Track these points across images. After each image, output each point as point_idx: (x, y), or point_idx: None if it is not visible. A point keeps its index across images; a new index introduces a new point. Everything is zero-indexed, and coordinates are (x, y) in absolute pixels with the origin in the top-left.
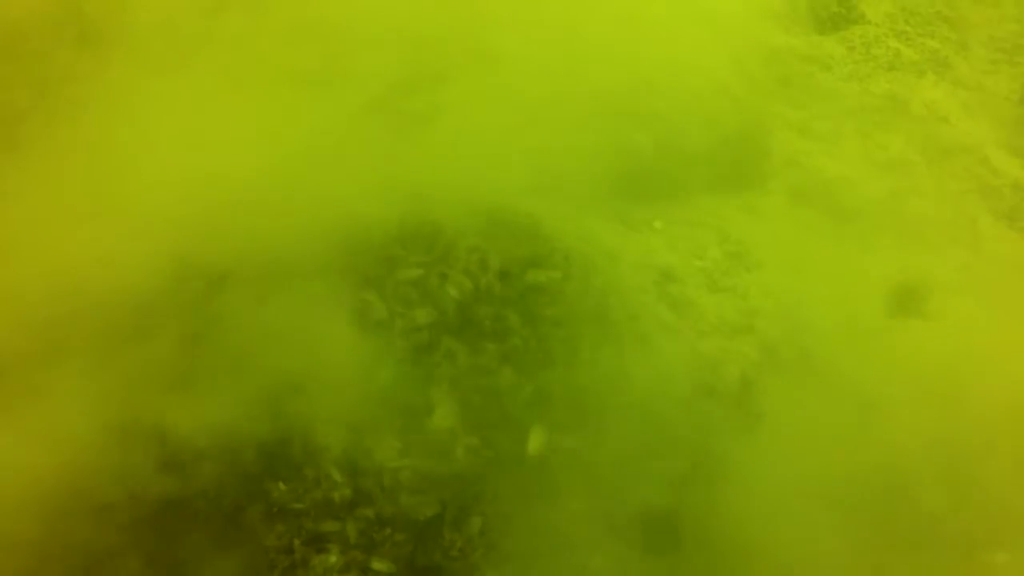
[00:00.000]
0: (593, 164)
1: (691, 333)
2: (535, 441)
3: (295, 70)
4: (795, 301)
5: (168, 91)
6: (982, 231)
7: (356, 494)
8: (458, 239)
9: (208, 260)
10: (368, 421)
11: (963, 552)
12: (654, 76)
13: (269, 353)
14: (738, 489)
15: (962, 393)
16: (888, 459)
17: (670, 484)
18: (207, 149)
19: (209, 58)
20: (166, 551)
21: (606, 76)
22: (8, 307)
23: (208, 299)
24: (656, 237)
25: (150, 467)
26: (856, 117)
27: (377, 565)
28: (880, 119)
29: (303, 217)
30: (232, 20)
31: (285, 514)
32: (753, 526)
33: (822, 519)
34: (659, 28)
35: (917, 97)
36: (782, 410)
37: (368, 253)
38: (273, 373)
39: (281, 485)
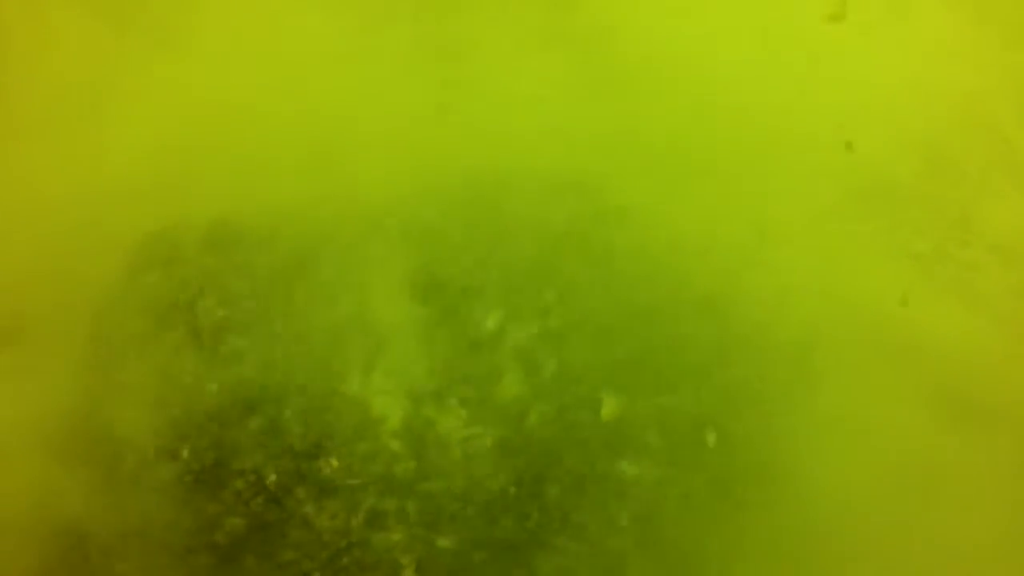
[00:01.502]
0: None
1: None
2: (609, 407)
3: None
4: None
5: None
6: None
7: (420, 467)
8: (518, 197)
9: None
10: (430, 389)
11: None
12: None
13: (316, 311)
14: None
15: None
16: None
17: (742, 443)
18: None
19: None
20: (203, 537)
21: None
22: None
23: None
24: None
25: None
26: None
27: (443, 542)
28: None
29: (358, 171)
30: None
31: (339, 492)
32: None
33: None
34: None
35: None
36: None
37: (428, 209)
38: (320, 332)
39: (333, 461)
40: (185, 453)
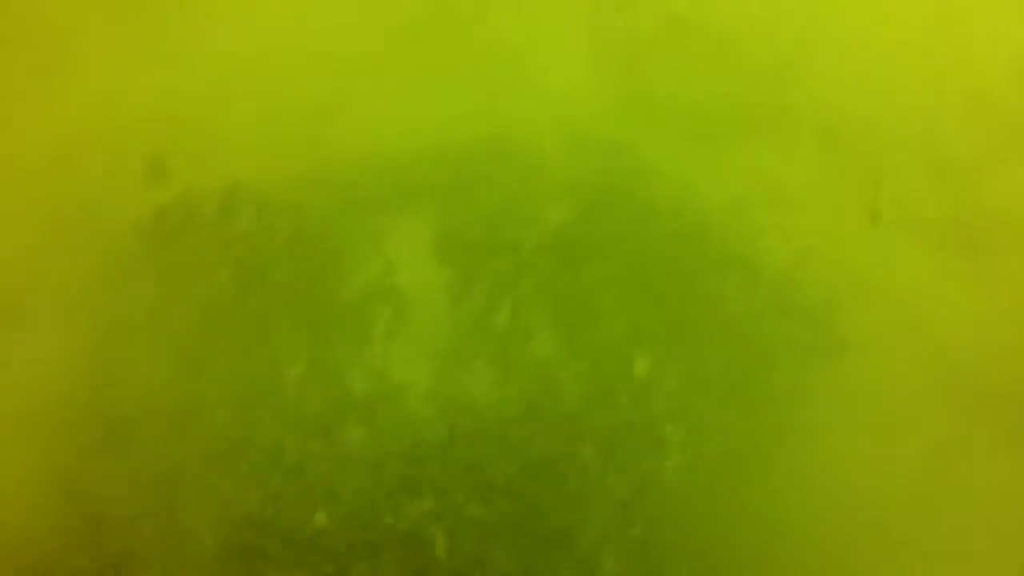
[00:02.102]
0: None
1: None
2: (641, 365)
3: None
4: None
5: None
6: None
7: (451, 432)
8: (547, 156)
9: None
10: (457, 353)
11: None
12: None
13: (338, 277)
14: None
15: None
16: None
17: (768, 404)
18: None
19: None
20: (221, 515)
21: None
22: None
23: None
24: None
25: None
26: None
27: (475, 510)
28: None
29: (380, 135)
30: None
31: (363, 462)
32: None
33: None
34: None
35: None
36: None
37: (452, 171)
38: (343, 299)
39: (358, 429)
40: (204, 426)
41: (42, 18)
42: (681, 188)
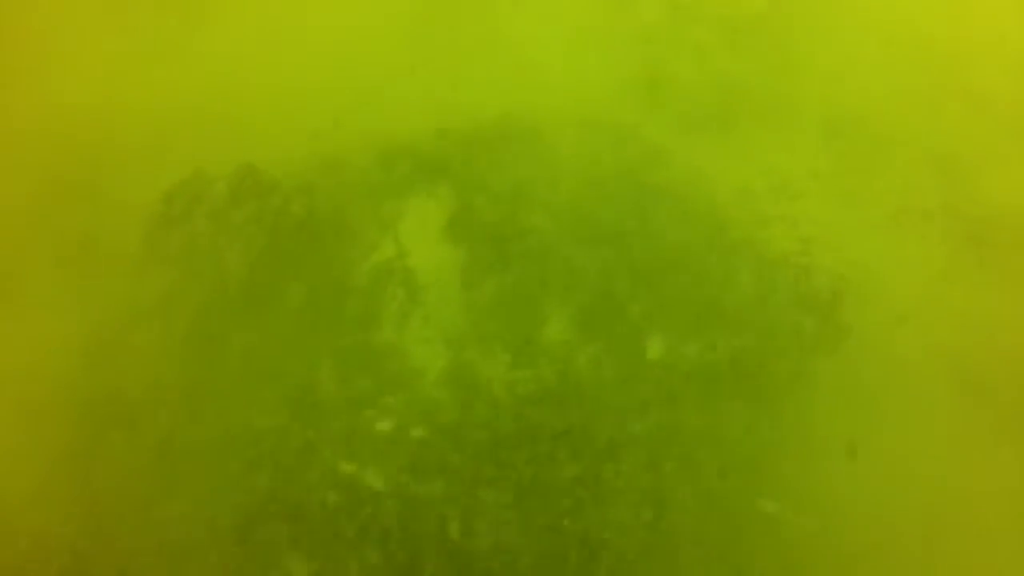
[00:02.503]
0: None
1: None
2: (654, 349)
3: None
4: None
5: None
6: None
7: (466, 414)
8: (560, 138)
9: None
10: (471, 335)
11: None
12: None
13: (351, 260)
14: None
15: None
16: None
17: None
18: None
19: None
20: (228, 501)
21: None
22: None
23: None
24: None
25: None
26: None
27: (490, 493)
28: None
29: (390, 118)
30: None
31: (375, 445)
32: None
33: None
34: None
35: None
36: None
37: (466, 154)
38: (355, 282)
39: (367, 411)
40: (209, 414)
41: None
42: (690, 174)
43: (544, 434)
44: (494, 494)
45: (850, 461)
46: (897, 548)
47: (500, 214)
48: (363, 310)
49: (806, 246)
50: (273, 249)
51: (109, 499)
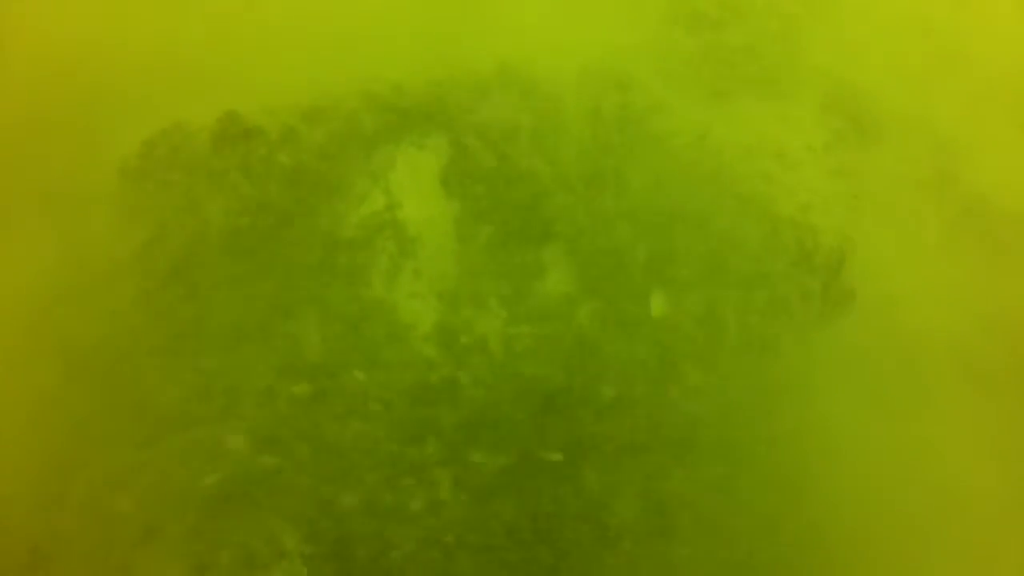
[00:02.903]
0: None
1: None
2: (657, 304)
3: None
4: None
5: None
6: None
7: (459, 372)
8: (560, 88)
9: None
10: (465, 289)
11: None
12: None
13: (340, 212)
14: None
15: None
16: None
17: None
18: None
19: None
20: (214, 465)
21: None
22: None
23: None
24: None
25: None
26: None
27: (482, 456)
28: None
29: (382, 63)
30: None
31: (365, 405)
32: None
33: None
34: None
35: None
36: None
37: (461, 101)
38: (344, 236)
39: (357, 373)
40: (190, 374)
41: None
42: (695, 127)
43: (542, 392)
44: (488, 456)
45: (849, 426)
46: (892, 531)
47: (496, 161)
48: (352, 264)
49: (805, 213)
50: (257, 200)
51: (80, 457)
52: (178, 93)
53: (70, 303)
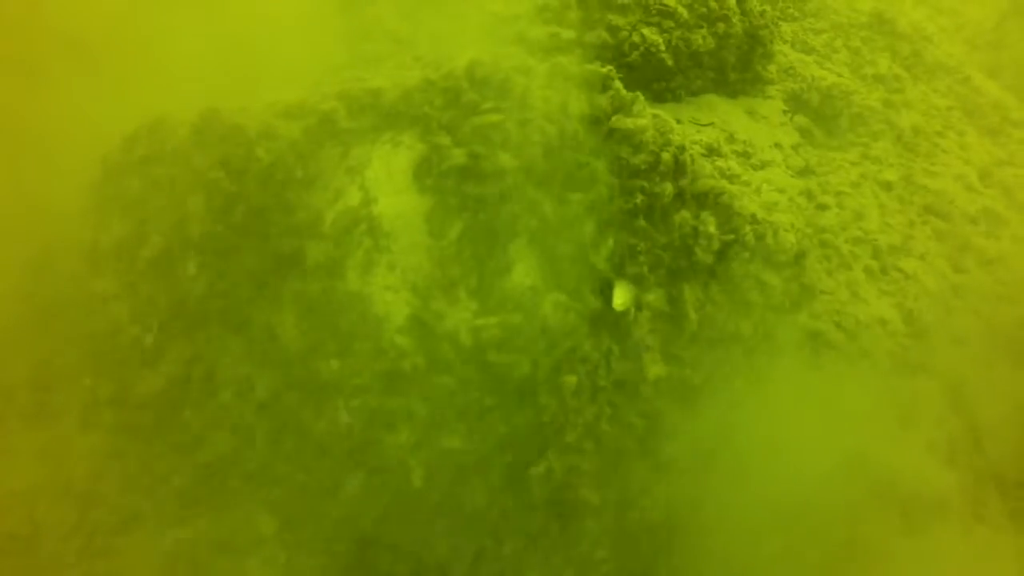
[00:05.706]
0: None
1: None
2: (620, 296)
3: None
4: None
5: None
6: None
7: (430, 361)
8: (533, 85)
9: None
10: (436, 282)
11: None
12: None
13: (316, 207)
14: None
15: None
16: None
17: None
18: None
19: None
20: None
21: None
22: None
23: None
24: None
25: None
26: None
27: (453, 442)
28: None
29: (357, 62)
30: None
31: (338, 394)
32: None
33: None
34: None
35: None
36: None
37: (434, 101)
38: (320, 229)
39: (332, 362)
40: (169, 364)
41: None
42: (660, 126)
43: (510, 380)
44: (458, 441)
45: (809, 415)
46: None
47: (467, 158)
48: (328, 258)
49: (769, 212)
50: (235, 195)
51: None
52: (160, 89)
53: (51, 294)
